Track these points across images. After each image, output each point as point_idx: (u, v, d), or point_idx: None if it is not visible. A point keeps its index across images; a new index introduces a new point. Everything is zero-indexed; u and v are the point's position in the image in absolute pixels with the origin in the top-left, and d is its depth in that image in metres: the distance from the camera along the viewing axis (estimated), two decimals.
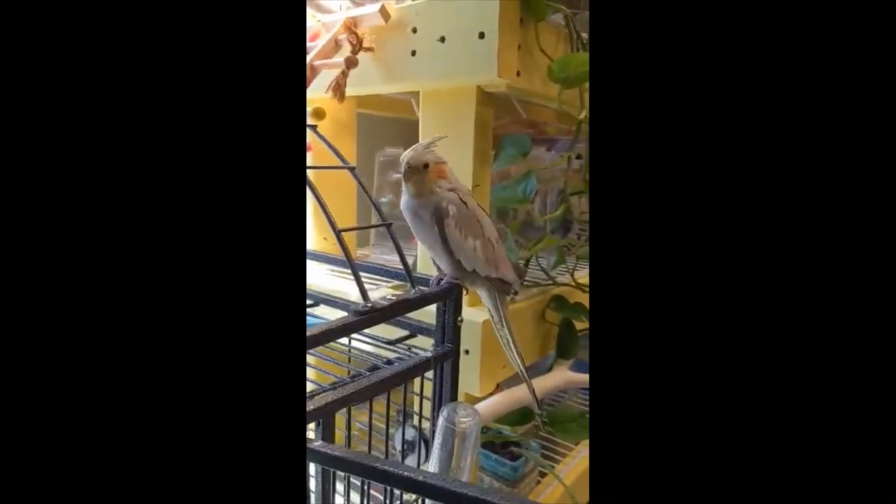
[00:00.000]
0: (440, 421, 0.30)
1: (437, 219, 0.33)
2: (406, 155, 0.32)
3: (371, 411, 0.32)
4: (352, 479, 0.35)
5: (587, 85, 0.48)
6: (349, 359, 0.43)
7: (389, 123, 0.85)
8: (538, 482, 0.67)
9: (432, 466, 0.31)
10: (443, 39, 0.46)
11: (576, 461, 0.71)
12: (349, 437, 0.31)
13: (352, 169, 0.34)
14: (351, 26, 0.47)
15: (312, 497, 0.29)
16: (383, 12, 0.48)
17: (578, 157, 0.53)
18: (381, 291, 0.56)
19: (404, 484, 0.23)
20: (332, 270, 0.64)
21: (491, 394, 0.52)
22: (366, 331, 0.37)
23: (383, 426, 0.36)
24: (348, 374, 0.40)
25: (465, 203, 0.34)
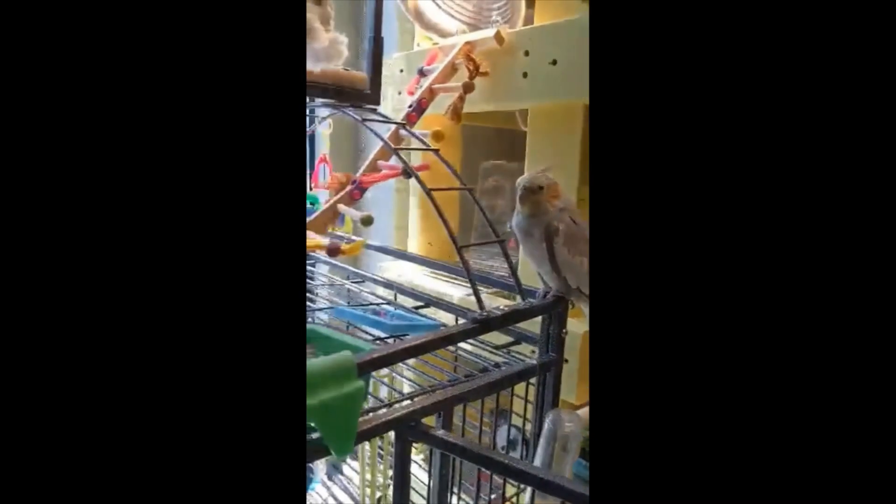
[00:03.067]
0: (546, 424, 0.33)
1: (546, 237, 0.35)
2: (522, 179, 0.35)
3: (482, 409, 0.35)
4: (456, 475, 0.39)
5: None
6: (455, 358, 0.47)
7: (491, 134, 0.89)
8: None
9: (536, 464, 0.34)
10: (554, 62, 0.48)
11: None
12: (463, 430, 0.34)
13: (471, 190, 0.37)
14: (469, 53, 0.51)
15: (431, 479, 0.33)
16: (498, 37, 0.51)
17: None
18: (482, 297, 0.60)
19: (519, 476, 0.27)
20: (433, 274, 0.69)
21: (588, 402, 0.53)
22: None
23: (484, 425, 0.40)
24: (454, 371, 0.43)
25: (575, 222, 0.36)
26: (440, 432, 0.30)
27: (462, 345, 0.48)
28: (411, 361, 0.49)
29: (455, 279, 0.65)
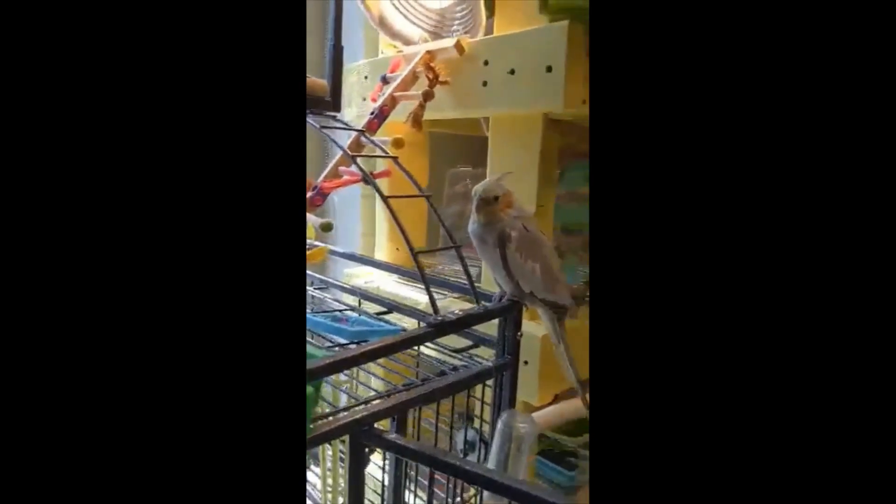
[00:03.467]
0: (499, 425, 0.34)
1: (499, 243, 0.36)
2: (478, 188, 0.36)
3: (438, 412, 0.36)
4: (419, 476, 0.39)
5: None
6: (417, 363, 0.47)
7: (459, 140, 0.90)
8: None
9: (490, 465, 0.34)
10: (513, 72, 0.49)
11: None
12: (418, 433, 0.35)
13: (428, 197, 0.38)
14: (429, 62, 0.51)
15: (386, 482, 0.34)
16: (458, 46, 0.52)
17: None
18: (447, 301, 0.60)
19: (468, 477, 0.27)
20: (401, 280, 0.69)
21: (549, 404, 0.54)
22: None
23: (446, 427, 0.40)
24: (416, 376, 0.44)
25: (527, 230, 0.37)
26: (393, 436, 0.30)
27: (425, 350, 0.49)
28: (376, 369, 0.50)
29: (421, 284, 0.66)
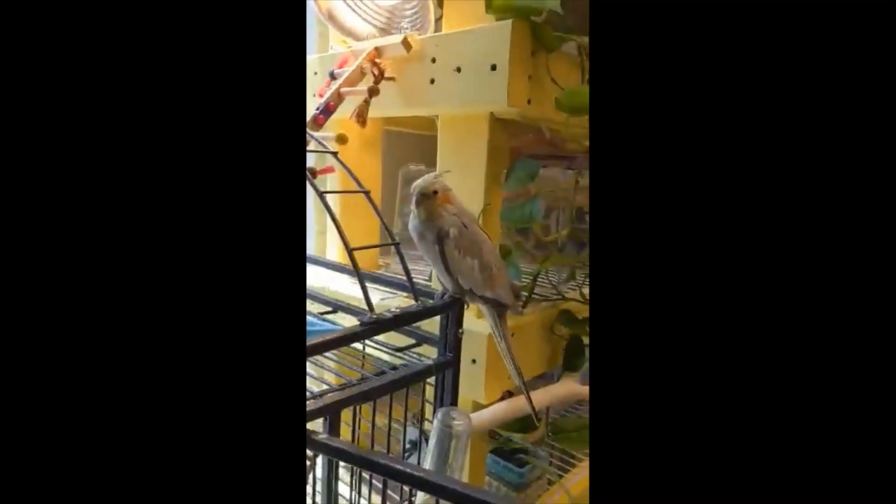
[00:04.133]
0: (435, 423, 0.33)
1: (438, 240, 0.36)
2: (417, 184, 0.36)
3: (374, 411, 0.35)
4: (363, 475, 0.38)
5: None
6: (362, 364, 0.47)
7: (414, 139, 0.90)
8: (546, 490, 0.69)
9: (428, 464, 0.34)
10: (459, 70, 0.49)
11: (587, 471, 0.73)
12: (353, 433, 0.34)
13: (367, 193, 0.38)
14: (374, 58, 0.51)
15: (318, 483, 0.33)
16: (405, 43, 0.52)
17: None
18: (398, 301, 0.60)
19: (401, 477, 0.27)
20: (353, 279, 0.68)
21: (499, 400, 0.54)
22: (379, 338, 0.41)
23: (393, 426, 0.40)
24: (361, 376, 0.43)
25: (466, 227, 0.37)
26: (323, 437, 0.30)
27: (372, 350, 0.48)
28: (326, 374, 0.49)
29: (374, 284, 0.65)
